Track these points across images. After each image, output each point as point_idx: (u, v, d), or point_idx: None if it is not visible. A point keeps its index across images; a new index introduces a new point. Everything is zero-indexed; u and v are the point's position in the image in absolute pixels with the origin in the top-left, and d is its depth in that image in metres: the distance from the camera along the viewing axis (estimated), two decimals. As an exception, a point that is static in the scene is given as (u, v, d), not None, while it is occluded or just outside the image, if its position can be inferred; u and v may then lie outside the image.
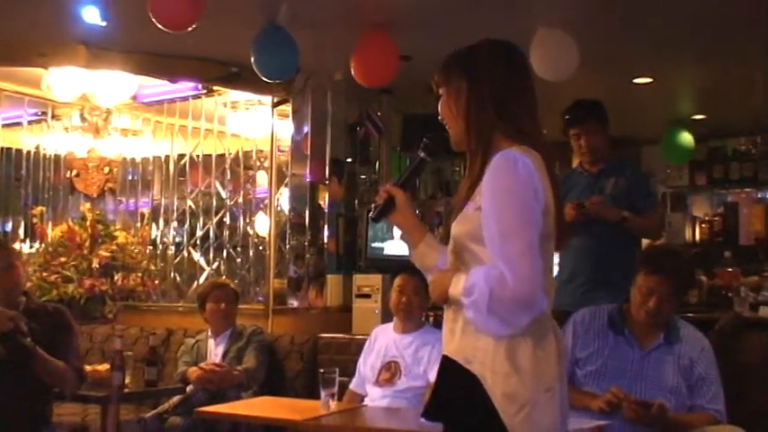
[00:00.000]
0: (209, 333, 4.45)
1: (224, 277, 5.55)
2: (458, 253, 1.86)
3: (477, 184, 1.82)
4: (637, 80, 5.70)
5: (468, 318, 1.77)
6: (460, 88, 1.86)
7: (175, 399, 4.07)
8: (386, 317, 4.28)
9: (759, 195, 7.24)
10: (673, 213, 7.28)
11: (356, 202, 5.68)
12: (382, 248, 5.19)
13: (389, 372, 3.69)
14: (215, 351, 4.38)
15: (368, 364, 3.79)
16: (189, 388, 4.12)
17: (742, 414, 3.11)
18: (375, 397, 3.68)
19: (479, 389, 1.76)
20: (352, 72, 4.60)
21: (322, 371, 3.22)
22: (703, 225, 7.38)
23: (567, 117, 3.96)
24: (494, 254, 1.72)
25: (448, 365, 1.85)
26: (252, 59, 4.39)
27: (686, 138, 6.85)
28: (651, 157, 7.50)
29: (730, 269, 5.44)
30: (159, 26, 3.92)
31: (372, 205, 2.00)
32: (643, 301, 3.01)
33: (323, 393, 3.16)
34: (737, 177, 7.29)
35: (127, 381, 3.84)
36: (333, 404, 3.16)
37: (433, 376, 3.59)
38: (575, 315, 3.30)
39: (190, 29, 3.98)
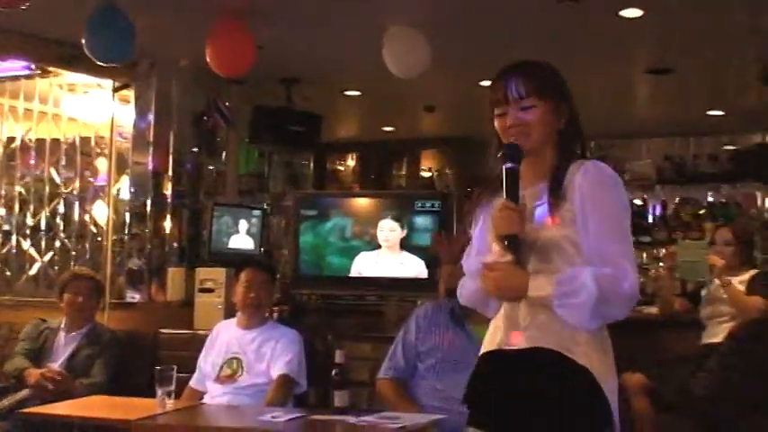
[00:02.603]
0: (63, 325, 4.21)
1: (56, 268, 5.29)
2: (540, 254, 1.90)
3: (556, 190, 1.92)
4: (484, 83, 5.86)
5: (569, 318, 1.85)
6: (562, 108, 2.01)
7: (5, 402, 3.84)
8: (229, 312, 4.19)
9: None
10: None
11: (201, 193, 5.55)
12: (227, 242, 5.08)
13: (231, 368, 3.62)
14: (63, 347, 4.14)
15: (209, 360, 3.70)
16: (24, 392, 3.88)
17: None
18: (215, 394, 3.60)
19: (588, 377, 1.84)
20: (208, 60, 4.45)
21: (158, 368, 3.13)
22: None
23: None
24: (605, 254, 1.85)
25: (542, 356, 1.87)
26: (83, 40, 4.16)
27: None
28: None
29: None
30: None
31: (504, 233, 1.89)
32: None
33: (159, 391, 3.07)
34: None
35: (-59, 380, 3.55)
36: (170, 402, 3.08)
37: (275, 372, 3.57)
38: (417, 309, 3.35)
39: (23, 7, 3.71)
